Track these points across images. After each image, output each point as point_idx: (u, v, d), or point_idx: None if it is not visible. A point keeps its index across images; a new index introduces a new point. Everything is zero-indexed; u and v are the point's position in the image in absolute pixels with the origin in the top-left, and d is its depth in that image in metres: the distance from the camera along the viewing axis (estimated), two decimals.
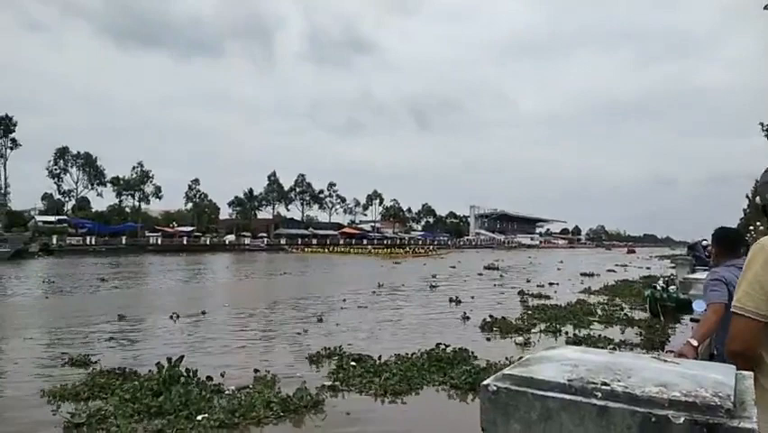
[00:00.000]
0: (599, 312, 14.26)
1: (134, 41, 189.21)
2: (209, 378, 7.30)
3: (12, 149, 65.24)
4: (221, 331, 12.08)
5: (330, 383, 7.37)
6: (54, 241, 56.31)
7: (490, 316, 12.98)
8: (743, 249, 3.24)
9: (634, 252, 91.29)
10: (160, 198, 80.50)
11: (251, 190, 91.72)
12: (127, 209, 78.07)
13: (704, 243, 14.33)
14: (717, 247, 3.49)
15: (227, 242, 75.29)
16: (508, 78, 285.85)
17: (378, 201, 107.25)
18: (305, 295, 19.35)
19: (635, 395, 0.89)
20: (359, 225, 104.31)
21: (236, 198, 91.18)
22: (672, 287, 13.65)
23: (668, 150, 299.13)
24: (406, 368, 7.99)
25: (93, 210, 75.53)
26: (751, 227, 33.07)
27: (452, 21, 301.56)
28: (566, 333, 11.42)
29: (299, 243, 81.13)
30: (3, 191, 65.31)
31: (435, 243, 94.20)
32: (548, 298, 17.87)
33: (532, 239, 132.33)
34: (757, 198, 2.10)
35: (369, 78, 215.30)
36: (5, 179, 65.67)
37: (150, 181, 78.87)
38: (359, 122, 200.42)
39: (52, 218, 65.57)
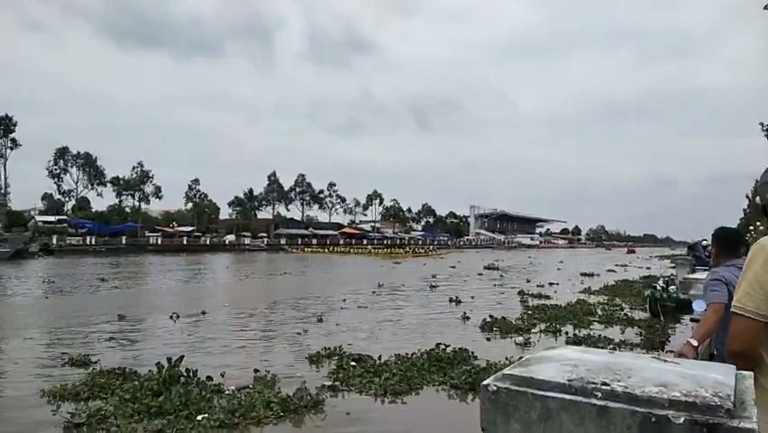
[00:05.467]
0: (599, 312, 14.25)
1: (134, 41, 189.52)
2: (209, 378, 7.30)
3: (12, 149, 65.36)
4: (221, 331, 12.08)
5: (330, 383, 7.37)
6: (54, 241, 56.30)
7: (490, 316, 12.98)
8: (743, 249, 3.24)
9: (634, 252, 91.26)
10: (160, 198, 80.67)
11: (251, 190, 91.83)
12: (127, 209, 78.06)
13: (704, 243, 14.32)
14: (717, 247, 3.49)
15: (227, 242, 75.27)
16: (508, 78, 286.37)
17: (378, 201, 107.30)
18: (305, 295, 19.35)
19: (635, 395, 0.89)
20: (359, 225, 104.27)
21: (236, 198, 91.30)
22: (672, 287, 13.65)
23: (668, 150, 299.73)
24: (406, 368, 7.99)
25: (93, 210, 75.52)
26: (751, 227, 33.06)
27: (452, 21, 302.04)
28: (566, 333, 11.42)
29: (299, 243, 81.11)
30: (3, 191, 65.32)
31: (435, 243, 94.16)
32: (548, 298, 17.87)
33: (532, 239, 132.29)
34: (757, 198, 2.10)
35: (369, 78, 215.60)
36: (5, 179, 65.82)
37: (150, 181, 78.96)
38: (359, 122, 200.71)
39: (52, 218, 65.55)
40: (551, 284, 23.59)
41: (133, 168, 78.12)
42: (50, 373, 8.27)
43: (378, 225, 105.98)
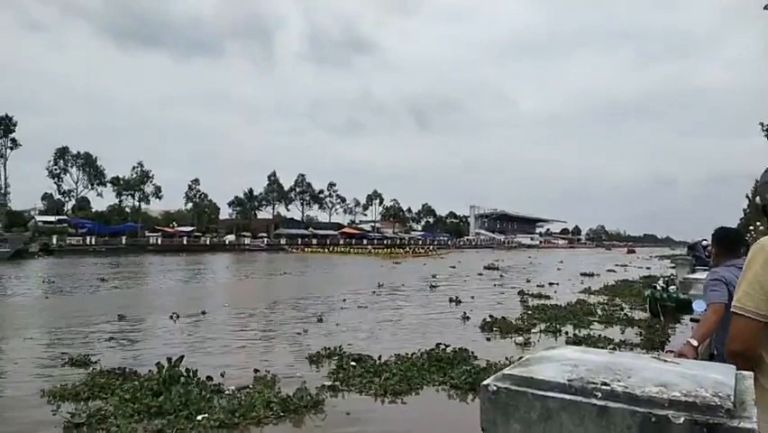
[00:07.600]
0: (599, 312, 14.25)
1: (134, 41, 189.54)
2: (209, 378, 7.30)
3: (12, 149, 65.36)
4: (221, 331, 12.08)
5: (330, 383, 7.37)
6: (54, 241, 56.28)
7: (490, 316, 12.98)
8: (743, 249, 3.24)
9: (634, 252, 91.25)
10: (160, 198, 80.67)
11: (251, 190, 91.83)
12: (127, 209, 78.05)
13: (704, 243, 14.32)
14: (717, 247, 3.49)
15: (227, 242, 75.26)
16: (508, 78, 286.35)
17: (378, 201, 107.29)
18: (305, 295, 19.35)
19: (635, 395, 0.89)
20: (359, 225, 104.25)
21: (236, 198, 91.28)
22: (672, 287, 13.65)
23: (668, 150, 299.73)
24: (406, 368, 7.99)
25: (93, 210, 75.51)
26: (751, 227, 33.06)
27: (452, 21, 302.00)
28: (566, 333, 11.42)
29: (299, 243, 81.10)
30: (3, 191, 65.31)
31: (435, 243, 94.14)
32: (548, 298, 17.87)
33: (532, 239, 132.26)
34: (757, 198, 2.10)
35: (369, 78, 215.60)
36: (5, 179, 65.80)
37: (150, 181, 78.97)
38: (359, 122, 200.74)
39: (52, 218, 65.55)
40: (551, 284, 23.58)
41: (133, 168, 78.26)
42: (50, 373, 8.27)
43: (378, 225, 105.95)
